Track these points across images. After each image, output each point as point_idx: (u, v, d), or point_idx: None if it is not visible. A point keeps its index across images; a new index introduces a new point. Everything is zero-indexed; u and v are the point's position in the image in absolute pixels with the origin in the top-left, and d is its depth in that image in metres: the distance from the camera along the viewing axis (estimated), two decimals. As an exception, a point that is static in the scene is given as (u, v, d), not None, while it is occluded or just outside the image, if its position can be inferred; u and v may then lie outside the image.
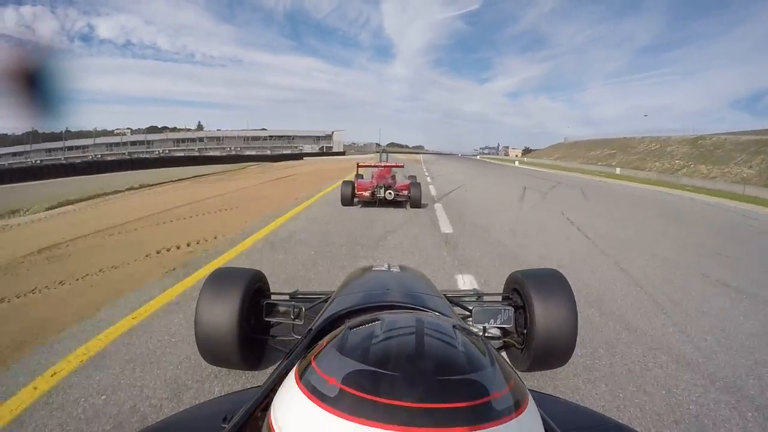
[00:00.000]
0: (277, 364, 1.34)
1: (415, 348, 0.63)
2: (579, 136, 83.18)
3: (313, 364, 0.62)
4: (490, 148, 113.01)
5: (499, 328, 2.18)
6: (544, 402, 0.77)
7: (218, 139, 69.29)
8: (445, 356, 0.63)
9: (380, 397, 0.52)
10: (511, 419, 0.54)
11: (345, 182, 8.93)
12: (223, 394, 2.08)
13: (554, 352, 2.13)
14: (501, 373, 0.62)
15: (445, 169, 29.15)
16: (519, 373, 1.77)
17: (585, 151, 68.24)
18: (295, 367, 0.65)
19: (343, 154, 60.81)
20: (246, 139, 68.41)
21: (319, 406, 0.53)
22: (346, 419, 0.50)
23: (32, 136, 58.99)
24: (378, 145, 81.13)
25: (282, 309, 2.16)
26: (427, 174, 21.16)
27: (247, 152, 57.46)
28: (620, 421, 1.11)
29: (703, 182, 30.44)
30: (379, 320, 0.72)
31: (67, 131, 58.06)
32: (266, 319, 2.17)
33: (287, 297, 2.70)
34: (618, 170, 42.52)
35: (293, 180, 15.91)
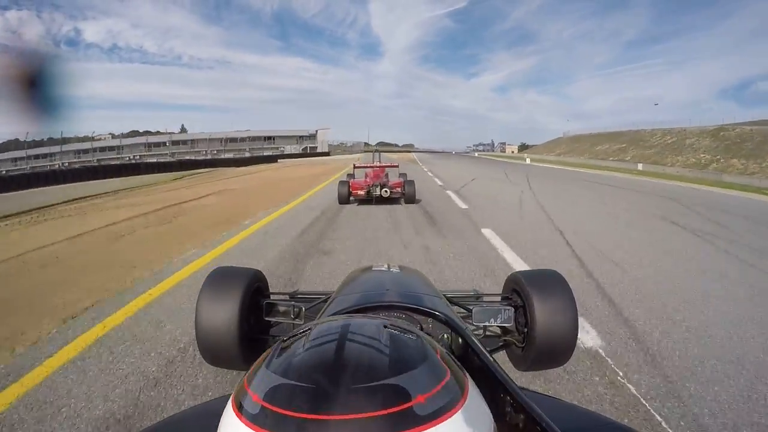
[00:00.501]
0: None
1: (333, 357, 0.61)
2: (578, 131, 79.58)
3: (245, 381, 0.61)
4: (484, 144, 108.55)
5: (499, 327, 2.10)
6: (544, 402, 0.80)
7: (192, 142, 63.16)
8: (364, 362, 0.60)
9: (295, 412, 0.51)
10: (436, 424, 0.51)
11: (341, 182, 9.73)
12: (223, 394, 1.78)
13: (554, 352, 2.02)
14: (432, 371, 0.58)
15: (451, 170, 25.66)
16: (517, 372, 2.04)
17: (590, 146, 64.37)
18: (234, 391, 0.63)
19: (327, 154, 56.37)
20: (223, 141, 62.46)
21: (243, 423, 0.53)
22: None
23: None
24: (367, 144, 77.79)
25: (282, 309, 2.09)
26: (435, 178, 18.28)
27: (225, 155, 52.49)
28: (620, 421, 1.18)
29: (750, 179, 25.77)
30: (309, 329, 0.71)
31: (50, 138, 51.76)
32: (266, 318, 2.09)
33: (287, 297, 2.61)
34: (640, 166, 38.13)
35: (194, 211, 8.69)
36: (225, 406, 0.78)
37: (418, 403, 0.51)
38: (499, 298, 2.28)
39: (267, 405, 0.53)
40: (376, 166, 11.38)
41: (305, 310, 1.94)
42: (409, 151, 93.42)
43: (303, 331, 0.71)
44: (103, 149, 64.13)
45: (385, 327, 0.69)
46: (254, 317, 2.05)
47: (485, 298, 2.56)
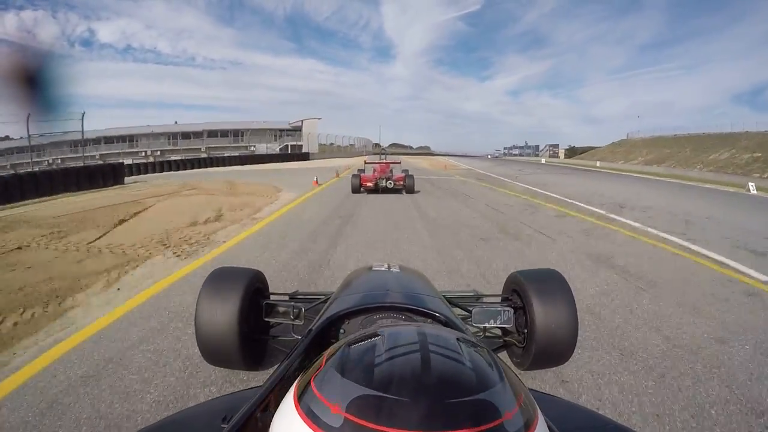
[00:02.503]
0: (277, 365, 1.25)
1: (421, 368, 0.60)
2: (643, 132, 62.64)
3: (313, 386, 0.58)
4: (519, 147, 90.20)
5: (499, 328, 2.20)
6: (544, 402, 0.77)
7: (131, 138, 45.06)
8: (453, 376, 0.60)
9: (388, 427, 0.49)
10: None
11: (354, 176, 12.61)
12: (223, 394, 2.12)
13: (554, 351, 2.14)
14: (511, 389, 0.60)
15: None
16: (519, 371, 2.19)
17: (693, 153, 46.68)
18: (293, 387, 0.63)
19: (306, 157, 38.05)
20: (171, 137, 44.47)
21: None
22: None
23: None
24: (377, 145, 70.59)
25: (282, 309, 2.18)
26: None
27: (173, 156, 37.25)
28: (618, 421, 1.17)
29: None
30: (379, 335, 0.69)
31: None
32: (266, 319, 2.19)
33: (287, 297, 2.78)
34: None
35: None
36: (224, 407, 0.81)
37: (507, 419, 0.52)
38: (499, 299, 2.52)
39: (353, 418, 0.50)
40: (383, 163, 14.69)
41: (305, 310, 2.07)
42: (429, 155, 77.23)
43: (371, 334, 0.69)
44: (21, 150, 46.13)
45: (458, 340, 0.69)
46: (254, 317, 2.18)
47: (485, 299, 2.79)
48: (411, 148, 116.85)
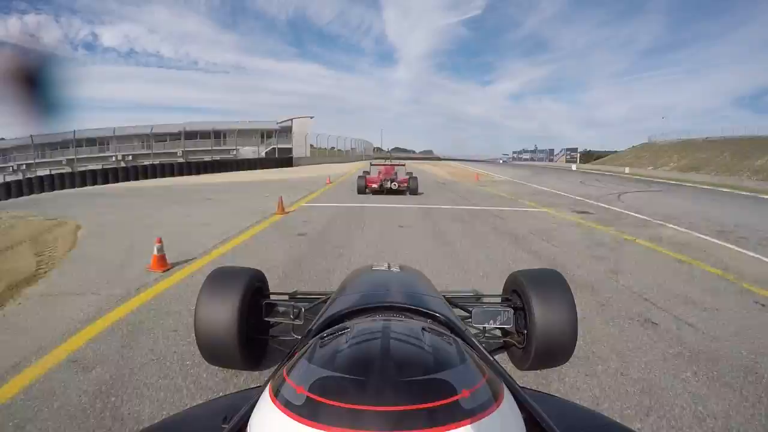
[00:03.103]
0: (277, 365, 1.22)
1: (380, 352, 0.64)
2: (663, 135, 58.41)
3: (284, 374, 0.63)
4: (529, 151, 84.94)
5: (498, 328, 2.20)
6: (544, 402, 0.81)
7: (100, 141, 40.04)
8: (411, 357, 0.65)
9: (345, 403, 0.53)
10: (480, 417, 0.53)
11: (359, 177, 13.41)
12: (223, 394, 2.11)
13: (554, 352, 2.15)
14: (472, 370, 0.63)
15: None
16: (518, 371, 2.23)
17: (735, 159, 41.52)
18: (269, 382, 0.66)
19: (289, 163, 32.47)
20: (144, 139, 39.27)
21: (287, 415, 0.54)
22: (313, 426, 0.51)
23: None
24: (379, 149, 70.82)
25: (282, 309, 2.19)
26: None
27: (146, 161, 33.09)
28: (619, 420, 1.14)
29: None
30: (348, 328, 0.74)
31: None
32: (266, 319, 2.20)
33: (287, 297, 2.76)
34: None
35: None
36: (224, 407, 0.83)
37: (463, 397, 0.55)
38: (499, 299, 2.51)
39: (313, 396, 0.54)
40: (388, 165, 15.15)
41: (305, 310, 2.10)
42: (436, 159, 73.37)
43: (342, 329, 0.76)
44: None
45: (424, 329, 0.74)
46: (254, 317, 2.19)
47: (485, 299, 2.76)
48: (414, 152, 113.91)
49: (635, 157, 57.71)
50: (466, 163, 54.09)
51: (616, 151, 68.97)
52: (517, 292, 2.32)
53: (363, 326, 0.76)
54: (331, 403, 0.53)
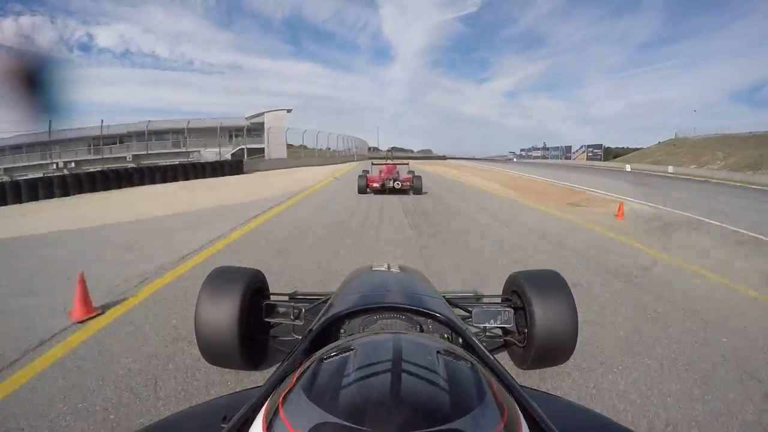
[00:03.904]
0: (277, 365, 1.29)
1: (389, 393, 0.57)
2: (692, 131, 52.12)
3: (280, 407, 0.58)
4: (539, 148, 78.21)
5: (499, 327, 2.23)
6: (544, 402, 0.80)
7: (42, 146, 33.55)
8: (424, 401, 0.57)
9: None
10: None
11: (360, 176, 12.73)
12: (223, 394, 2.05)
13: (554, 351, 2.19)
14: (492, 409, 0.58)
15: None
16: (518, 371, 2.27)
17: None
18: (263, 408, 0.63)
19: (239, 168, 22.46)
20: (93, 142, 32.47)
21: None
22: None
23: None
24: (375, 149, 69.46)
25: (282, 309, 2.22)
26: None
27: (92, 168, 26.31)
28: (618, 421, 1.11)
29: None
30: (352, 349, 0.68)
31: None
32: (266, 319, 2.22)
33: (287, 297, 2.76)
34: None
35: None
36: (224, 407, 0.81)
37: None
38: (499, 299, 2.54)
39: None
40: (390, 164, 14.76)
41: (305, 311, 2.12)
42: (438, 158, 67.70)
43: (345, 348, 0.69)
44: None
45: (438, 353, 0.67)
46: (254, 317, 2.20)
47: (485, 299, 2.76)
48: (412, 151, 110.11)
49: (666, 154, 51.34)
50: (477, 163, 47.27)
51: (638, 149, 62.57)
52: (517, 292, 2.34)
53: (369, 346, 0.69)
54: None
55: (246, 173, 22.31)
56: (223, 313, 2.05)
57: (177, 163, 25.67)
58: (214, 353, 2.16)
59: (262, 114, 31.57)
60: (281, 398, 0.59)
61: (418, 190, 12.46)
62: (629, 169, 40.71)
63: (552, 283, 2.29)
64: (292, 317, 2.11)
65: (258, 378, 2.33)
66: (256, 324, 2.23)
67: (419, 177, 12.98)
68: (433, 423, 0.51)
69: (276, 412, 0.57)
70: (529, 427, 0.62)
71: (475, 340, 1.11)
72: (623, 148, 65.02)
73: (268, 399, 0.65)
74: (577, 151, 63.33)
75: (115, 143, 36.58)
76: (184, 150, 32.60)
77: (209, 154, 30.80)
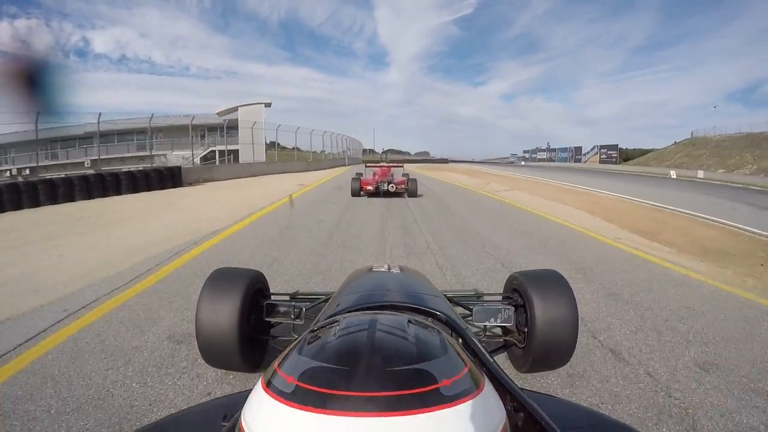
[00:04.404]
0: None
1: (366, 343, 0.69)
2: (710, 130, 47.71)
3: (276, 366, 0.67)
4: (544, 150, 74.53)
5: (499, 326, 2.25)
6: (544, 402, 0.83)
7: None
8: (395, 348, 0.69)
9: (332, 389, 0.57)
10: (459, 403, 0.58)
11: (353, 179, 12.52)
12: (223, 394, 2.15)
13: (555, 352, 2.19)
14: (453, 361, 0.67)
15: None
16: (519, 374, 2.31)
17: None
18: (261, 375, 0.70)
19: (176, 180, 15.33)
20: (50, 145, 28.60)
21: (279, 401, 0.58)
22: (301, 410, 0.56)
23: None
24: (372, 152, 69.42)
25: (282, 309, 2.23)
26: None
27: (48, 174, 23.40)
28: (618, 419, 1.14)
29: None
30: (337, 321, 0.78)
31: None
32: (267, 319, 2.24)
33: (287, 297, 2.77)
34: None
35: None
36: (224, 407, 0.84)
37: (444, 385, 0.59)
38: (499, 298, 2.53)
39: (302, 384, 0.59)
40: (384, 166, 14.55)
41: (305, 310, 2.14)
42: (442, 161, 64.67)
43: (331, 322, 0.79)
44: None
45: (410, 322, 0.78)
46: (255, 318, 2.22)
47: (486, 298, 2.77)
48: (409, 153, 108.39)
49: (687, 156, 47.60)
50: (486, 167, 43.25)
51: (652, 149, 58.85)
52: (518, 291, 2.36)
53: (351, 319, 0.80)
54: (318, 390, 0.57)
55: (193, 184, 16.30)
56: (224, 314, 2.05)
57: (162, 165, 21.66)
58: (214, 354, 2.16)
59: (236, 109, 27.17)
60: (276, 362, 0.68)
61: (412, 193, 12.39)
62: (675, 176, 35.07)
63: (553, 282, 2.28)
64: (292, 317, 2.12)
65: (258, 378, 1.62)
66: (257, 324, 2.24)
67: (414, 180, 12.97)
68: (400, 363, 0.62)
69: (273, 371, 0.66)
70: (529, 427, 0.69)
71: (475, 340, 1.14)
72: (634, 149, 61.22)
73: (265, 370, 0.71)
74: (588, 152, 59.31)
75: (75, 146, 32.82)
76: (149, 153, 28.68)
77: (175, 157, 26.90)
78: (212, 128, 29.24)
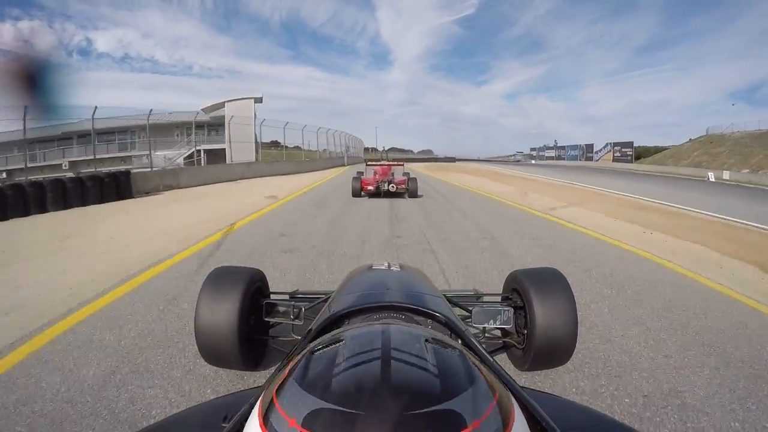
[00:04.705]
0: (277, 365, 1.34)
1: (380, 377, 0.59)
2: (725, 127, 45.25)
3: (275, 399, 0.59)
4: (552, 147, 72.01)
5: (499, 328, 2.23)
6: (544, 401, 0.80)
7: None
8: (414, 384, 0.59)
9: None
10: None
11: (354, 179, 12.25)
12: (223, 394, 2.11)
13: (554, 352, 2.18)
14: (482, 393, 0.58)
15: None
16: (516, 372, 2.26)
17: None
18: (258, 401, 0.64)
19: (123, 191, 11.47)
20: (28, 146, 26.55)
21: None
22: None
23: None
24: (373, 150, 65.56)
25: (282, 309, 2.21)
26: None
27: (29, 176, 16.70)
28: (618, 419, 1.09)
29: None
30: (342, 340, 0.70)
31: None
32: (266, 319, 2.23)
33: (287, 297, 2.75)
34: None
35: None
36: (224, 407, 0.81)
37: (474, 428, 0.51)
38: (499, 298, 2.52)
39: (306, 431, 0.51)
40: (384, 164, 14.15)
41: (305, 310, 2.09)
42: (450, 160, 62.93)
43: (335, 339, 0.71)
44: None
45: (427, 341, 0.69)
46: (254, 317, 2.21)
47: (485, 298, 2.75)
48: (412, 152, 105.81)
49: (705, 154, 45.13)
50: (497, 167, 40.83)
51: (664, 148, 56.30)
52: (517, 290, 2.34)
53: (359, 337, 0.71)
54: None
55: (151, 193, 12.82)
56: (223, 313, 2.05)
57: (144, 167, 19.51)
58: (214, 354, 2.16)
59: (223, 103, 25.02)
60: (275, 391, 0.60)
61: (413, 193, 12.15)
62: (713, 179, 29.63)
63: (553, 281, 2.27)
64: (292, 316, 2.09)
65: (258, 378, 2.32)
66: (256, 324, 2.24)
67: (414, 179, 12.72)
68: (424, 405, 0.52)
69: (271, 403, 0.58)
70: (530, 427, 0.63)
71: (474, 341, 1.11)
72: (642, 147, 58.33)
73: (262, 394, 0.65)
74: (600, 150, 56.64)
75: (54, 147, 31.05)
76: (133, 154, 26.78)
77: (159, 159, 24.86)
78: (200, 126, 27.18)
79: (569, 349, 2.19)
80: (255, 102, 24.75)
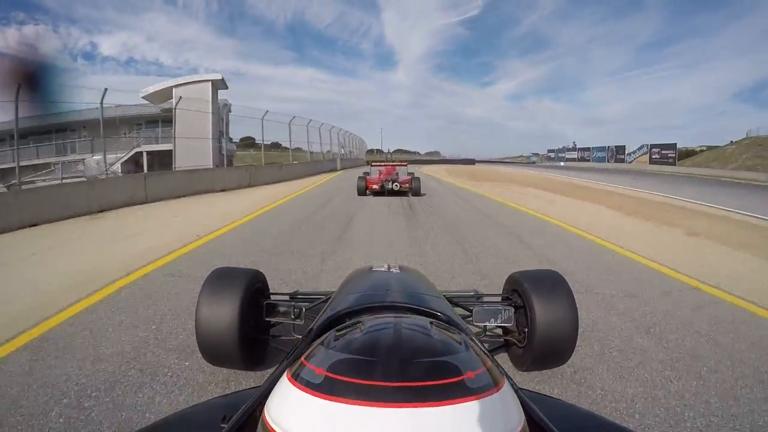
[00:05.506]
0: (277, 365, 1.35)
1: (392, 338, 0.73)
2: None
3: (303, 361, 0.68)
4: (571, 149, 66.01)
5: (500, 327, 2.26)
6: (543, 403, 0.84)
7: None
8: (420, 342, 0.73)
9: (361, 379, 0.58)
10: (483, 396, 0.59)
11: (360, 178, 12.85)
12: (223, 394, 2.12)
13: (555, 351, 2.20)
14: (475, 356, 0.69)
15: None
16: (520, 373, 2.31)
17: None
18: (287, 368, 0.70)
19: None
20: None
21: (307, 392, 0.59)
22: (331, 400, 0.57)
23: None
24: (378, 151, 66.57)
25: (282, 309, 2.22)
26: None
27: None
28: (617, 421, 1.11)
29: None
30: (361, 322, 0.81)
31: None
32: (267, 319, 2.24)
33: (287, 297, 2.79)
34: None
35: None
36: (224, 407, 0.84)
37: (468, 377, 0.61)
38: (499, 298, 2.53)
39: (331, 374, 0.61)
40: (389, 164, 14.67)
41: (305, 310, 2.11)
42: (470, 162, 57.82)
43: (356, 322, 0.83)
44: None
45: (431, 323, 0.82)
46: (254, 317, 2.21)
47: (486, 298, 2.77)
48: (418, 153, 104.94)
49: (757, 157, 38.97)
50: (527, 169, 34.79)
51: (693, 150, 50.27)
52: (517, 291, 2.36)
53: (376, 321, 0.83)
54: (348, 380, 0.58)
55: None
56: (224, 313, 2.04)
57: (79, 173, 14.06)
58: (214, 354, 2.16)
59: (170, 88, 17.58)
60: (304, 357, 0.69)
61: (417, 192, 12.50)
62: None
63: (553, 282, 2.29)
64: (292, 317, 2.11)
65: (258, 378, 2.34)
66: (257, 324, 2.24)
67: (418, 179, 13.12)
68: (426, 356, 0.65)
69: (300, 363, 0.66)
70: (530, 428, 0.67)
71: (475, 340, 1.08)
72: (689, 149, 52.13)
73: (286, 370, 0.69)
74: (634, 152, 50.28)
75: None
76: (69, 158, 21.17)
77: (93, 162, 19.29)
78: (153, 120, 21.48)
79: (569, 349, 2.21)
80: (215, 87, 18.07)
